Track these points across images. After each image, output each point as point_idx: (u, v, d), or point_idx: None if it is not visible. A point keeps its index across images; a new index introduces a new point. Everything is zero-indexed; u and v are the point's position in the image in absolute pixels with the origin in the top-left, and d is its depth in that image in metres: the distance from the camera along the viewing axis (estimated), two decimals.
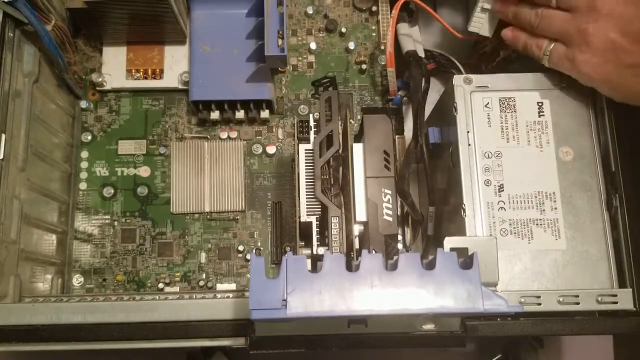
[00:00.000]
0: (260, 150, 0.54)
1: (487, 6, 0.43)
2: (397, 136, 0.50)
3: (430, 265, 0.30)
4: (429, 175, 0.43)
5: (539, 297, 0.36)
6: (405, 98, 0.52)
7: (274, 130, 0.55)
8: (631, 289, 0.36)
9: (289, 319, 0.29)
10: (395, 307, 0.29)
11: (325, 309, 0.29)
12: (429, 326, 0.35)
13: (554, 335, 0.36)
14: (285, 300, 0.29)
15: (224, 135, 0.54)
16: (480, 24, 0.44)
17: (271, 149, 0.54)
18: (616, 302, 0.36)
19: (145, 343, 0.37)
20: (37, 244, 0.47)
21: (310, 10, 0.56)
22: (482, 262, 0.36)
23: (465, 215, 0.38)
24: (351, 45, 0.55)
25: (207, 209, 0.53)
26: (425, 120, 0.42)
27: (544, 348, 0.47)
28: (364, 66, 0.55)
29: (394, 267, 0.30)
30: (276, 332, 0.35)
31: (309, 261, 0.39)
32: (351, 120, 0.53)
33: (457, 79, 0.41)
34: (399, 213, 0.44)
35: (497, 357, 0.48)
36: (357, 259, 0.33)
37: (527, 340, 0.47)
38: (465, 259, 0.32)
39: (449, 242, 0.37)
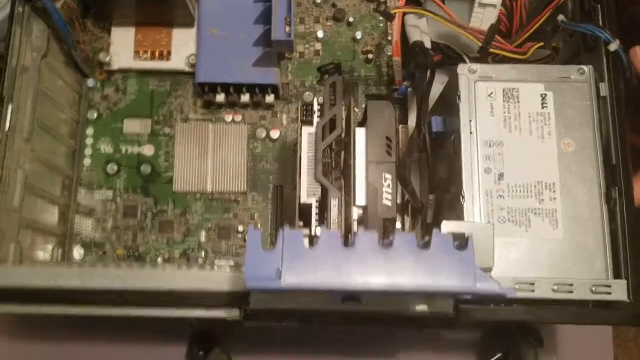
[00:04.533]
0: (264, 135, 0.54)
1: (485, 1, 0.43)
2: (400, 126, 0.50)
3: (426, 245, 0.31)
4: (430, 163, 0.43)
5: (532, 284, 0.36)
6: (410, 88, 0.52)
7: (278, 115, 0.55)
8: (626, 281, 0.36)
9: (283, 290, 0.30)
10: (388, 283, 0.29)
11: (319, 281, 0.30)
12: (422, 307, 0.35)
13: (545, 323, 0.36)
14: (280, 271, 0.30)
15: (228, 118, 0.54)
16: (479, 19, 0.44)
17: (275, 134, 0.54)
18: (610, 293, 0.36)
19: (141, 310, 0.37)
20: (39, 214, 0.47)
21: None
22: (478, 247, 0.36)
23: (464, 202, 0.39)
24: (358, 35, 0.56)
25: (209, 189, 0.53)
26: (429, 110, 0.42)
27: (543, 348, 0.47)
28: (370, 56, 0.55)
29: (389, 245, 0.30)
30: (270, 305, 0.35)
31: (306, 239, 0.39)
32: (355, 108, 0.54)
33: (462, 68, 0.41)
34: (398, 201, 0.44)
35: (496, 357, 0.47)
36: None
37: (527, 340, 0.47)
38: (461, 242, 0.32)
39: (446, 225, 0.37)
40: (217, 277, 0.37)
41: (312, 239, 0.29)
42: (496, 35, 0.44)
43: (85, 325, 0.51)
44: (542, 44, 0.43)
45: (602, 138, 0.39)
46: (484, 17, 0.45)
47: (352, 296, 0.35)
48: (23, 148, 0.45)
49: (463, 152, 0.39)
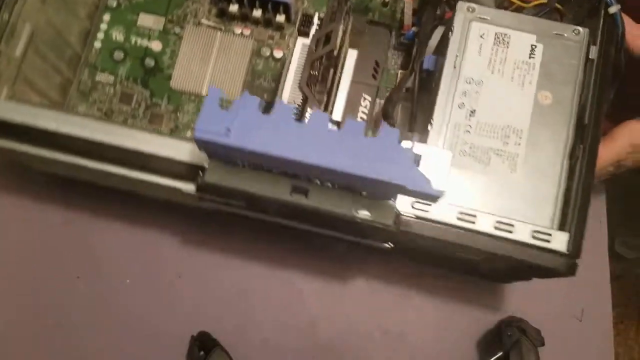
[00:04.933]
0: (268, 53, 0.56)
1: None
2: (400, 71, 0.51)
3: (374, 136, 0.32)
4: (415, 100, 0.44)
5: (475, 216, 0.37)
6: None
7: (286, 38, 0.56)
8: (568, 234, 0.37)
9: (229, 147, 0.31)
10: (328, 160, 0.30)
11: (264, 146, 0.31)
12: (364, 212, 0.36)
13: (479, 251, 0.36)
14: (229, 129, 0.31)
15: (237, 30, 0.56)
16: None
17: (278, 54, 0.55)
18: (549, 242, 0.36)
19: (104, 165, 0.39)
20: (39, 76, 0.49)
21: None
22: (432, 171, 0.37)
23: (430, 129, 0.39)
24: None
25: (203, 93, 0.55)
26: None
27: (544, 347, 0.48)
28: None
29: (338, 127, 0.31)
30: (223, 182, 0.37)
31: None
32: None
33: (461, 5, 0.42)
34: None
35: (497, 356, 0.48)
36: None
37: (528, 339, 0.47)
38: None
39: (406, 144, 0.38)
40: (180, 146, 0.38)
41: (269, 107, 0.30)
42: None
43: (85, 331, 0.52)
44: (545, 0, 0.43)
45: (581, 98, 0.40)
46: None
47: (300, 189, 0.37)
48: (38, 6, 0.47)
49: (442, 84, 0.40)
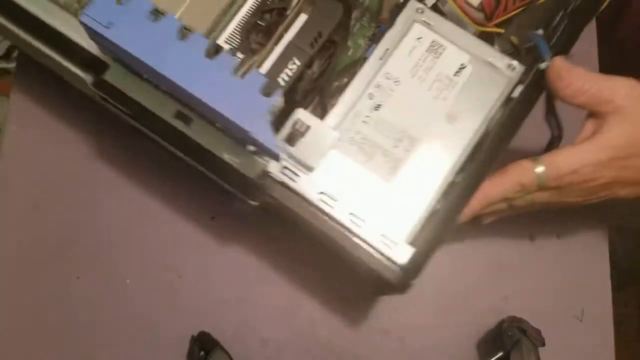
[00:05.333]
0: None
1: None
2: None
3: (241, 76, 0.32)
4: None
5: (336, 201, 0.37)
6: None
7: None
8: (414, 250, 0.36)
9: (103, 38, 0.32)
10: (184, 78, 0.31)
11: (139, 51, 0.32)
12: (232, 157, 0.37)
13: (323, 233, 0.37)
14: (113, 24, 0.32)
15: None
16: None
17: None
18: (391, 249, 0.36)
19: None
20: None
21: None
22: (310, 143, 0.37)
23: (331, 108, 0.39)
24: None
25: None
26: None
27: (544, 347, 0.48)
28: None
29: (211, 57, 0.32)
30: (116, 83, 0.38)
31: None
32: None
33: (412, 4, 0.41)
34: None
35: (497, 356, 0.48)
36: None
37: (528, 339, 0.47)
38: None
39: (298, 113, 0.38)
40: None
41: (157, 15, 0.31)
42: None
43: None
44: (502, 30, 0.42)
45: (487, 130, 0.39)
46: None
47: (183, 116, 0.37)
48: None
49: (363, 70, 0.40)
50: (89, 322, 0.50)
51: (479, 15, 0.45)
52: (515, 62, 0.40)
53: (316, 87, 0.46)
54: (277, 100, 0.33)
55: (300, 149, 0.38)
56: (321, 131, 0.38)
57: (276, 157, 0.33)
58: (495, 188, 0.39)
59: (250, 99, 0.31)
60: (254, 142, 0.33)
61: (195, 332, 0.50)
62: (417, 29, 0.41)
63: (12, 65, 0.84)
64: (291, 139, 0.38)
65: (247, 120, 0.31)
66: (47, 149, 0.53)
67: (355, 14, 0.50)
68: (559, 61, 0.38)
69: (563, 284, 0.53)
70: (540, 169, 0.38)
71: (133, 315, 0.51)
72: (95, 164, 0.53)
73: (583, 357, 0.52)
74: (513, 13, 0.44)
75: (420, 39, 0.41)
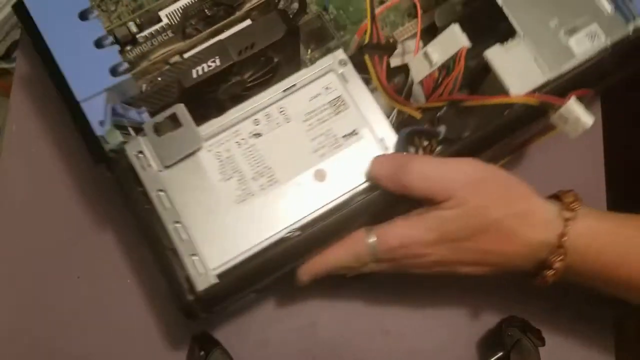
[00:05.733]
0: None
1: (430, 55, 0.42)
2: None
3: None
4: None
5: (170, 205, 0.37)
6: None
7: None
8: (217, 282, 0.36)
9: None
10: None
11: None
12: None
13: (137, 225, 0.37)
14: None
15: None
16: (415, 67, 0.43)
17: None
18: (196, 271, 0.36)
19: None
20: None
21: None
22: (175, 143, 0.38)
23: (222, 115, 0.40)
24: None
25: None
26: None
27: (545, 346, 0.47)
28: None
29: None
30: None
31: None
32: None
33: (338, 54, 0.41)
34: None
35: (497, 356, 0.49)
36: None
37: (528, 339, 0.47)
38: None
39: (177, 108, 0.38)
40: None
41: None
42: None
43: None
44: (418, 115, 0.41)
45: (343, 203, 0.38)
46: (418, 69, 0.44)
47: None
48: None
49: (261, 94, 0.40)
50: (89, 321, 0.50)
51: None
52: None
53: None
54: (128, 82, 0.33)
55: (164, 141, 0.38)
56: (189, 134, 0.38)
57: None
58: (332, 255, 0.38)
59: (94, 69, 0.31)
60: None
61: (196, 331, 0.49)
62: (330, 78, 0.40)
63: (12, 65, 0.83)
64: (159, 129, 0.38)
65: (81, 88, 0.31)
66: (47, 149, 0.53)
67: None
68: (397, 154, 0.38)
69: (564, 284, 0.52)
70: (372, 239, 0.37)
71: (134, 314, 0.50)
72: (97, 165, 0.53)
73: (583, 357, 0.51)
74: (442, 104, 0.43)
75: (327, 89, 0.40)
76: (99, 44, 0.32)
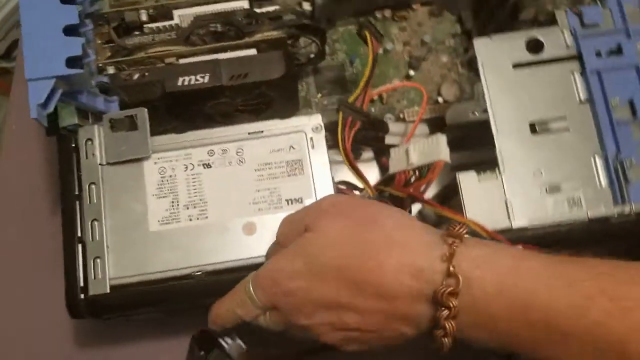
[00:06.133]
0: None
1: (411, 156, 0.40)
2: None
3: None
4: None
5: (96, 200, 0.37)
6: None
7: None
8: (106, 293, 0.36)
9: None
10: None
11: None
12: None
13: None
14: None
15: None
16: (393, 158, 0.42)
17: None
18: (93, 274, 0.36)
19: None
20: None
21: None
22: (124, 143, 0.37)
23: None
24: None
25: None
26: None
27: None
28: None
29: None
30: None
31: None
32: None
33: (313, 119, 0.40)
34: None
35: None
36: None
37: None
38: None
39: (140, 111, 0.38)
40: None
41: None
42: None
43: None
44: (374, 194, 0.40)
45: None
46: (396, 161, 0.42)
47: None
48: None
49: (228, 128, 0.40)
50: (82, 326, 0.49)
51: None
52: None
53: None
54: (79, 76, 0.33)
55: (116, 138, 0.38)
56: (141, 140, 0.38)
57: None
58: (223, 302, 0.36)
59: (52, 54, 0.31)
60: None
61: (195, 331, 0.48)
62: (298, 139, 0.39)
63: (12, 64, 0.83)
64: (115, 125, 0.38)
65: (33, 67, 0.31)
66: (47, 148, 0.52)
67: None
68: None
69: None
70: (249, 281, 0.34)
71: None
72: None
73: None
74: (401, 195, 0.41)
75: (291, 148, 0.39)
76: (67, 30, 0.32)
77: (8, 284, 0.49)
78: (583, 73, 0.38)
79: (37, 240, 0.50)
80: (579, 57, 0.38)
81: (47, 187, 0.51)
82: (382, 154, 0.48)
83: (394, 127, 0.48)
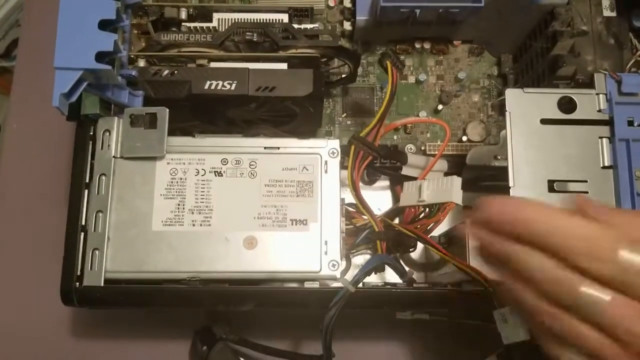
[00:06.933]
0: None
1: (423, 193, 0.40)
2: None
3: None
4: None
5: (103, 192, 0.38)
6: None
7: None
8: (100, 287, 0.36)
9: None
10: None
11: None
12: None
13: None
14: None
15: None
16: (406, 193, 0.41)
17: None
18: (94, 266, 0.37)
19: None
20: None
21: None
22: (142, 139, 0.38)
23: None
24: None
25: None
26: None
27: None
28: None
29: None
30: None
31: None
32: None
33: (331, 143, 0.40)
34: None
35: (498, 352, 0.49)
36: None
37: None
38: None
39: (160, 110, 0.38)
40: None
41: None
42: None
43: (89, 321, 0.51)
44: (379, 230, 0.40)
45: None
46: (407, 195, 0.42)
47: None
48: None
49: (245, 140, 0.40)
50: (89, 319, 0.51)
51: None
52: (340, 263, 0.37)
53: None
54: (107, 73, 0.33)
55: (133, 133, 0.38)
56: (158, 140, 0.38)
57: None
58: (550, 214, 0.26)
59: (84, 46, 0.32)
60: None
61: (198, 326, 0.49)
62: (313, 161, 0.39)
63: (12, 63, 0.81)
64: (135, 121, 0.38)
65: (62, 56, 0.31)
66: (47, 148, 0.53)
67: None
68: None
69: None
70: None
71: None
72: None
73: None
74: (406, 232, 0.40)
75: (305, 169, 0.39)
76: (102, 24, 0.32)
77: (8, 282, 0.50)
78: (611, 139, 0.37)
79: (36, 239, 0.51)
80: (610, 123, 0.37)
81: (47, 186, 0.51)
82: (398, 182, 0.47)
83: (413, 158, 0.48)
